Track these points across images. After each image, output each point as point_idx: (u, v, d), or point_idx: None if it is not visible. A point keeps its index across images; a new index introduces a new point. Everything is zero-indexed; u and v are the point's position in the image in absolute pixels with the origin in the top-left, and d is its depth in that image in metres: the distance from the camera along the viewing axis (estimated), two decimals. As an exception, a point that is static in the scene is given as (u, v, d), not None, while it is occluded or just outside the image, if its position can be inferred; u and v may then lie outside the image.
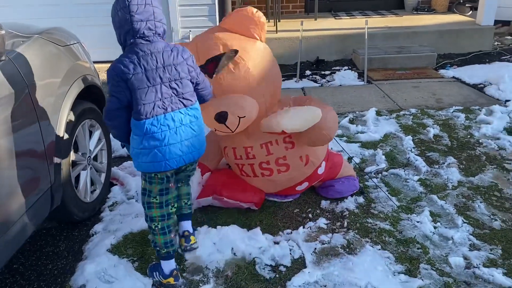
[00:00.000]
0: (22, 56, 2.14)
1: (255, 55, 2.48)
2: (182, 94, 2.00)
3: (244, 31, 2.50)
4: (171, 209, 2.18)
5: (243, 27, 2.50)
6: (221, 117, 2.36)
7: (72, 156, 2.53)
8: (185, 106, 2.01)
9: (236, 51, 2.42)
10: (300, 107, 2.47)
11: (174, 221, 2.22)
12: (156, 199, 2.10)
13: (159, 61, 1.92)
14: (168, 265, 2.16)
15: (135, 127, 1.96)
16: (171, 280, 2.14)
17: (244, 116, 2.39)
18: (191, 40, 2.70)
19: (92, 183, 2.84)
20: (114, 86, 1.91)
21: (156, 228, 2.13)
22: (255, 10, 2.51)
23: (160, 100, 1.93)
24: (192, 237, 2.36)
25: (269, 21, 6.75)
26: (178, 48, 2.01)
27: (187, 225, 2.39)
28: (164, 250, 2.14)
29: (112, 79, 1.90)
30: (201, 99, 2.18)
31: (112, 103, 1.95)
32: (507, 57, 5.86)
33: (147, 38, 1.91)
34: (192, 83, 2.07)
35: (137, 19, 1.87)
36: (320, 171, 2.71)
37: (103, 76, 5.24)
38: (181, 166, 2.07)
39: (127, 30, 1.89)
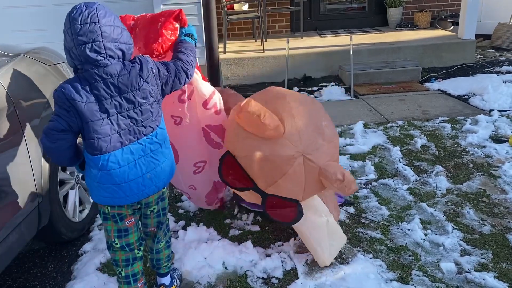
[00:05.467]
0: (8, 75, 2.14)
1: None
2: (142, 122, 1.77)
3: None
4: (137, 253, 1.96)
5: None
6: None
7: (60, 175, 2.52)
8: (145, 135, 1.79)
9: None
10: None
11: (140, 269, 2.00)
12: (116, 243, 1.90)
13: (114, 89, 1.68)
14: None
15: (90, 160, 1.75)
16: None
17: None
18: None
19: (81, 203, 2.81)
20: (62, 109, 1.65)
21: (120, 275, 1.95)
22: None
23: (117, 132, 1.71)
24: None
25: (256, 41, 6.85)
26: (136, 67, 1.73)
27: (164, 280, 2.19)
28: None
29: (62, 102, 1.64)
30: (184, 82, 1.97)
31: (56, 123, 1.66)
32: (489, 69, 5.98)
33: (96, 62, 1.62)
34: (162, 88, 1.87)
35: (80, 41, 1.59)
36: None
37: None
38: (142, 200, 1.89)
39: (75, 54, 1.63)
